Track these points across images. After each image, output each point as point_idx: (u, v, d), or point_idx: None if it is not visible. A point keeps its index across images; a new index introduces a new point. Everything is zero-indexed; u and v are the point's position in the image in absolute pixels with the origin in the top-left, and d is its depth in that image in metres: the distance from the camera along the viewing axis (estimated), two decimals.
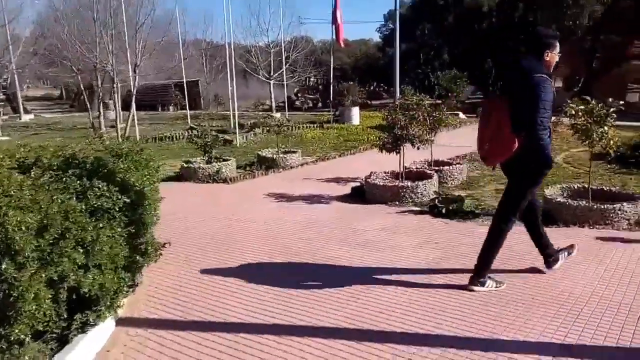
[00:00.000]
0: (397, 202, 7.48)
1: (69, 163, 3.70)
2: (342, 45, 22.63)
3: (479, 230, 6.11)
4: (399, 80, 22.26)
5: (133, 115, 15.93)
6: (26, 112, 32.99)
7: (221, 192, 9.08)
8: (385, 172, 8.51)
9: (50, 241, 2.80)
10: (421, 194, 7.54)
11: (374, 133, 17.50)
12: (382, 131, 7.85)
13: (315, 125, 20.13)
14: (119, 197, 3.47)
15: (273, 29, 25.78)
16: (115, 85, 15.75)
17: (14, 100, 32.84)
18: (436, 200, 6.80)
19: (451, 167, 9.00)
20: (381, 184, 7.67)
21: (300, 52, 26.14)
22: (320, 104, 33.02)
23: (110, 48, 14.27)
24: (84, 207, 3.13)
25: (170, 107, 36.35)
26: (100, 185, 3.38)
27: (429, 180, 7.76)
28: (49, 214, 2.78)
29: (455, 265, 5.01)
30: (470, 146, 13.41)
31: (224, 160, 10.84)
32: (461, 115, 22.21)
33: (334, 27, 19.88)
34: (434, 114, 8.92)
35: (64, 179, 3.33)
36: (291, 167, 11.35)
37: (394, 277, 4.74)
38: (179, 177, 10.57)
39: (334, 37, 20.55)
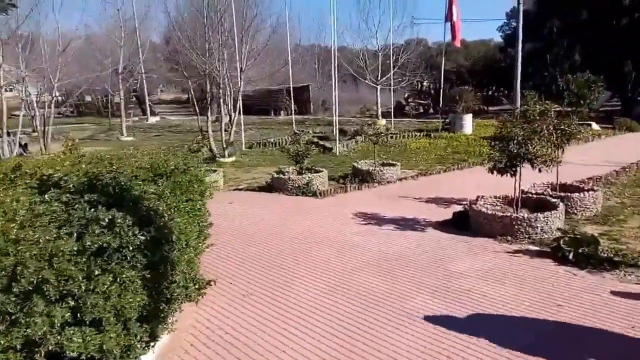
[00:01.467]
0: (509, 238, 6.08)
1: (93, 185, 3.11)
2: (458, 44, 20.84)
3: (619, 287, 4.56)
4: (520, 84, 19.89)
5: (238, 121, 16.01)
6: (153, 114, 35.79)
7: (306, 208, 8.33)
8: (496, 198, 7.09)
9: (19, 296, 2.17)
10: (541, 230, 6.04)
11: (487, 145, 15.65)
12: (492, 147, 6.44)
13: (422, 133, 18.71)
14: (135, 232, 2.78)
15: (383, 30, 24.74)
16: (221, 90, 15.93)
17: (143, 103, 35.80)
18: (561, 241, 5.30)
19: (582, 195, 7.25)
20: (490, 212, 6.31)
21: (410, 55, 24.73)
22: (431, 110, 31.21)
23: (218, 54, 14.40)
24: (77, 247, 2.48)
25: (282, 112, 37.10)
26: (111, 217, 2.73)
27: (553, 212, 6.20)
28: (21, 259, 2.15)
29: (591, 348, 3.61)
30: (607, 164, 11.22)
31: (316, 171, 10.12)
32: (594, 125, 19.24)
33: (448, 24, 18.27)
34: (562, 126, 7.27)
35: (72, 207, 2.72)
36: (388, 182, 10.28)
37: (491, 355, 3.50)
38: (269, 187, 10.08)
39: (450, 35, 18.89)
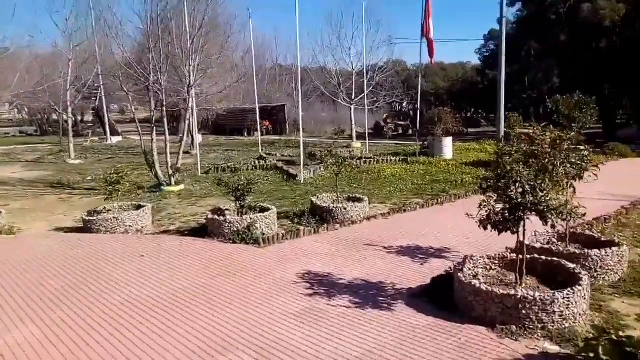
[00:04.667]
0: (514, 329, 4.14)
1: None
2: (433, 61, 19.31)
3: None
4: (503, 106, 18.36)
5: (202, 141, 13.95)
6: (116, 134, 33.47)
7: (237, 267, 6.27)
8: (490, 258, 5.16)
9: None
10: (560, 316, 4.12)
11: (470, 172, 13.92)
12: (483, 189, 4.54)
13: (398, 158, 16.91)
14: None
15: (358, 48, 23.19)
16: (164, 108, 13.86)
17: (104, 122, 33.47)
18: (600, 350, 3.35)
19: (603, 252, 5.37)
20: (484, 288, 4.35)
21: (386, 74, 23.13)
22: (410, 132, 29.61)
23: (159, 65, 12.41)
24: None
25: (256, 133, 35.34)
26: None
27: (576, 289, 4.27)
28: None
29: None
30: (612, 199, 9.51)
31: (263, 209, 8.10)
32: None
33: (424, 43, 16.69)
34: (576, 159, 5.45)
35: None
36: (352, 222, 8.32)
37: None
38: (204, 230, 8.03)
39: (426, 52, 17.30)
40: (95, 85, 26.63)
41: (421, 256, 6.45)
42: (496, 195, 4.46)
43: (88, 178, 15.97)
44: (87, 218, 8.44)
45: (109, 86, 26.23)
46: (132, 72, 13.38)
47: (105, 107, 30.59)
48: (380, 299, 4.97)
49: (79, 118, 46.98)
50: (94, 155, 23.21)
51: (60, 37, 22.92)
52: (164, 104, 13.17)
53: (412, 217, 8.96)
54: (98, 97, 29.79)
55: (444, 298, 4.83)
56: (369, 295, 5.08)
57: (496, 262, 5.17)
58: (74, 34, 21.67)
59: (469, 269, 4.91)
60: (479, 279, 4.69)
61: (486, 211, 4.42)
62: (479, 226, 4.49)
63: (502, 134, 16.57)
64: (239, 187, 7.66)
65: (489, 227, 4.44)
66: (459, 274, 4.65)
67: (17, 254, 7.06)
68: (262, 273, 5.90)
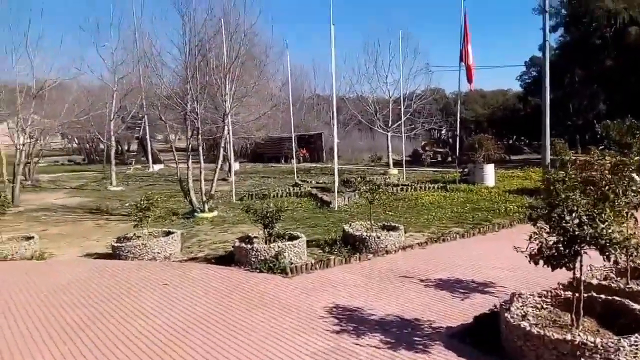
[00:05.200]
0: None
1: None
2: (472, 87, 18.78)
3: None
4: (542, 134, 17.45)
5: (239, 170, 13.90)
6: (158, 162, 34.28)
7: (261, 298, 5.89)
8: (540, 296, 4.58)
9: None
10: None
11: (514, 200, 13.15)
12: (533, 219, 4.03)
13: (437, 185, 16.29)
14: None
15: (394, 75, 22.92)
16: (200, 136, 13.93)
17: (147, 150, 34.38)
18: None
19: None
20: (535, 331, 3.79)
21: (424, 101, 22.69)
22: (449, 159, 28.83)
23: (195, 94, 12.52)
24: None
25: (293, 160, 35.58)
26: None
27: None
28: None
29: None
30: None
31: (292, 237, 7.75)
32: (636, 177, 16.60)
33: (462, 65, 16.25)
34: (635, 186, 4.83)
35: None
36: (386, 252, 7.83)
37: None
38: (232, 257, 7.73)
39: (464, 78, 16.83)
40: (140, 115, 27.50)
41: (462, 290, 5.89)
42: (548, 226, 3.94)
43: (126, 204, 16.17)
44: (116, 244, 8.34)
45: (152, 116, 27.01)
46: (170, 102, 13.59)
47: (148, 136, 31.41)
48: (416, 338, 4.46)
49: (125, 147, 48.68)
50: (135, 183, 23.67)
51: (105, 69, 23.79)
52: (200, 132, 13.23)
53: (452, 247, 8.37)
54: (142, 127, 30.70)
55: (489, 340, 4.27)
56: (403, 334, 4.58)
57: (548, 300, 4.58)
58: (118, 67, 22.42)
59: (517, 308, 4.35)
60: (528, 320, 4.13)
61: (537, 244, 3.90)
62: (529, 261, 3.96)
63: (549, 160, 15.75)
64: (268, 215, 7.35)
65: (541, 262, 3.90)
66: (506, 314, 4.11)
67: (43, 280, 6.97)
68: (287, 305, 5.50)
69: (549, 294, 4.59)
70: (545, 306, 4.56)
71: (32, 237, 9.03)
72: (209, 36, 13.68)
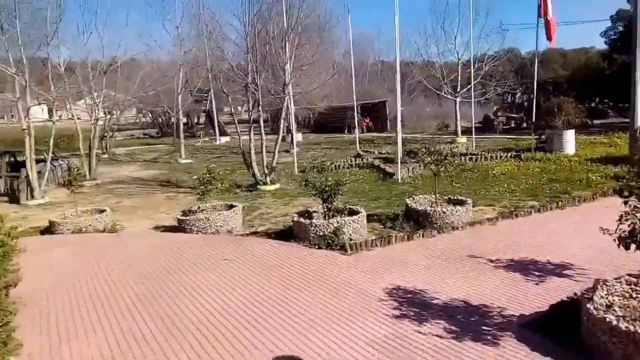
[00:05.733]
0: None
1: None
2: (554, 45, 17.18)
3: None
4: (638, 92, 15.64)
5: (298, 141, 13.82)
6: (224, 134, 35.09)
7: (319, 276, 5.73)
8: (628, 283, 4.02)
9: None
10: None
11: (598, 170, 12.02)
12: (624, 196, 3.47)
13: (509, 154, 15.28)
14: None
15: (464, 36, 21.44)
16: (260, 107, 13.87)
17: (214, 123, 35.26)
18: None
19: None
20: (623, 326, 3.30)
21: (496, 63, 21.19)
22: (524, 125, 27.04)
23: (255, 66, 12.39)
24: None
25: (356, 130, 35.13)
26: None
27: None
28: None
29: None
30: None
31: (352, 212, 7.49)
32: None
33: (540, 21, 14.84)
34: None
35: None
36: (453, 228, 7.37)
37: None
38: (292, 232, 7.64)
39: (544, 34, 15.36)
40: (206, 88, 28.09)
41: (536, 273, 5.38)
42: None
43: (194, 177, 16.67)
44: (181, 218, 8.52)
45: (218, 89, 27.52)
46: (231, 74, 13.60)
47: (215, 109, 32.11)
48: (484, 327, 4.10)
49: (195, 120, 50.33)
50: (203, 155, 24.37)
51: (171, 44, 24.34)
52: (260, 103, 13.18)
53: (526, 223, 7.74)
54: (209, 100, 31.40)
55: (567, 332, 3.82)
56: (469, 322, 4.23)
57: (639, 288, 4.01)
58: (184, 41, 22.83)
59: (601, 297, 3.83)
60: (614, 312, 3.62)
61: (629, 225, 3.36)
62: (618, 245, 3.43)
63: (638, 124, 14.20)
64: (326, 189, 7.13)
65: (632, 246, 3.36)
66: (588, 304, 3.62)
67: (112, 253, 7.25)
68: (344, 285, 5.30)
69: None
70: (635, 295, 4.00)
71: (105, 210, 9.46)
72: (268, 3, 13.43)
